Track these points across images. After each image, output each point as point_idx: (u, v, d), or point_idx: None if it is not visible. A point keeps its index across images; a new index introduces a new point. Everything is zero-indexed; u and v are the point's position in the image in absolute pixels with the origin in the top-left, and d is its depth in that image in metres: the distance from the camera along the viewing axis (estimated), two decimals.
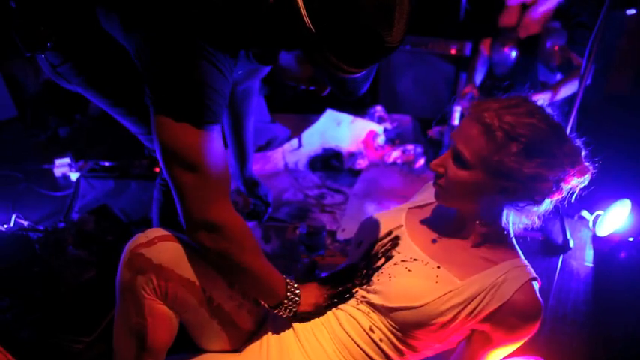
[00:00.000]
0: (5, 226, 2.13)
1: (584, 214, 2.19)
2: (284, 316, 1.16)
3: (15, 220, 2.17)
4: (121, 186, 2.26)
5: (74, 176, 2.61)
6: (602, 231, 2.09)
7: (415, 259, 1.11)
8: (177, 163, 0.97)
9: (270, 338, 1.19)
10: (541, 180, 0.99)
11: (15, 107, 3.37)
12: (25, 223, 2.18)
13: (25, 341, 1.55)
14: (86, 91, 1.27)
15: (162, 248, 1.07)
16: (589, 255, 2.04)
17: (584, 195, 1.03)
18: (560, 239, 2.05)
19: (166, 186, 1.46)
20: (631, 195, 2.03)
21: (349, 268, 1.24)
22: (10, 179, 2.61)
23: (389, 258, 1.16)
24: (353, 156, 2.58)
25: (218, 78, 0.96)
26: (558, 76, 2.34)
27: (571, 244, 2.04)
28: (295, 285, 1.16)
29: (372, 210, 2.19)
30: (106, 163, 2.47)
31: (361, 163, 2.56)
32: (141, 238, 1.08)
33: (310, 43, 0.90)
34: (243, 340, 1.22)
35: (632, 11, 2.00)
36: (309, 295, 1.17)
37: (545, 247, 2.03)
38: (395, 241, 1.19)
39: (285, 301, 1.14)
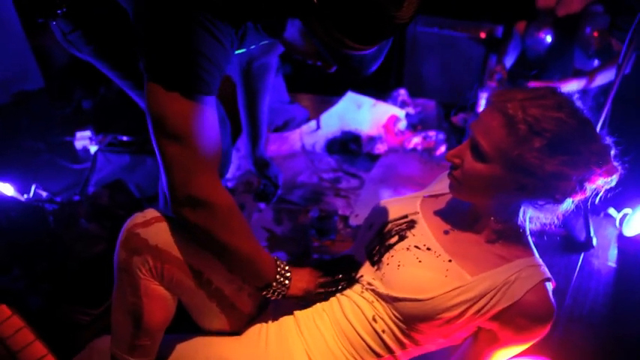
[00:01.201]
0: (25, 195, 2.16)
1: (611, 211, 2.09)
2: (272, 298, 1.13)
3: (34, 191, 2.21)
4: (136, 161, 2.26)
5: (94, 149, 2.64)
6: (630, 231, 1.99)
7: (428, 249, 1.07)
8: (164, 132, 0.94)
9: (270, 323, 1.18)
10: (563, 178, 0.92)
11: (42, 78, 3.41)
12: (44, 194, 2.21)
13: (33, 310, 1.58)
14: (96, 61, 1.28)
15: (159, 229, 1.05)
16: (613, 255, 1.95)
17: (612, 192, 0.96)
18: (582, 236, 1.97)
19: None
20: None
21: (347, 259, 1.20)
22: (33, 150, 2.65)
23: (402, 238, 1.12)
24: (372, 140, 2.52)
25: (214, 47, 0.92)
26: (596, 63, 2.21)
27: (594, 242, 1.95)
28: (287, 268, 1.13)
29: (387, 196, 2.14)
30: (124, 138, 2.48)
31: (380, 148, 2.49)
32: (138, 217, 1.07)
33: (311, 13, 0.85)
34: (243, 323, 1.20)
35: None
36: (300, 279, 1.14)
37: (566, 243, 1.95)
38: (411, 224, 1.14)
39: (274, 284, 1.10)
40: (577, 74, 2.19)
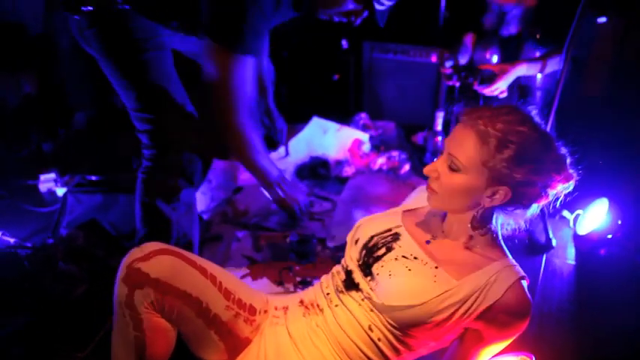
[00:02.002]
0: None
1: (565, 213, 2.27)
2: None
3: (0, 238, 2.15)
4: (109, 200, 2.25)
5: (60, 191, 2.59)
6: (583, 230, 2.16)
7: (416, 258, 1.14)
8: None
9: (267, 347, 1.21)
10: (530, 185, 1.04)
11: None
12: (12, 240, 2.15)
13: (16, 358, 1.54)
14: (102, 57, 1.45)
15: (159, 262, 1.09)
16: (571, 253, 2.11)
17: (565, 195, 1.08)
18: (543, 239, 2.12)
19: (146, 172, 1.64)
20: (609, 193, 2.11)
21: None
22: None
23: (390, 249, 1.18)
24: (339, 164, 2.62)
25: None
26: (539, 77, 2.40)
27: (554, 243, 2.10)
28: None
29: (359, 216, 2.22)
30: (93, 177, 2.46)
31: (348, 171, 2.60)
32: (136, 252, 1.10)
33: None
34: (240, 349, 1.23)
35: (602, 19, 2.09)
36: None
37: (529, 246, 2.09)
38: (396, 237, 1.21)
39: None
40: (522, 91, 2.38)
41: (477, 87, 2.22)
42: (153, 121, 1.54)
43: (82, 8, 1.31)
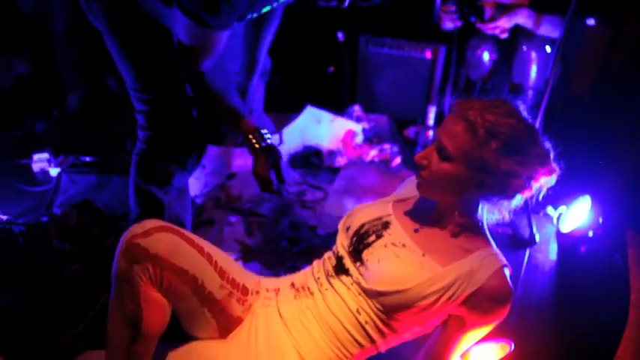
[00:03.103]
0: None
1: (549, 210, 2.33)
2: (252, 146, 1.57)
3: None
4: (103, 180, 2.27)
5: (53, 171, 2.60)
6: (565, 227, 2.23)
7: (404, 245, 1.19)
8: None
9: (258, 326, 1.24)
10: (515, 176, 1.08)
11: None
12: (4, 217, 2.17)
13: (9, 333, 1.57)
14: (106, 32, 1.46)
15: (158, 238, 1.12)
16: (553, 249, 2.18)
17: (550, 192, 1.13)
18: (527, 234, 2.18)
19: (140, 155, 1.66)
20: (591, 191, 2.17)
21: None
22: None
23: (379, 237, 1.22)
24: (332, 154, 2.66)
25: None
26: (532, 75, 2.43)
27: (537, 238, 2.17)
28: (267, 137, 1.59)
29: (350, 206, 2.27)
30: (87, 158, 2.47)
31: (340, 161, 2.64)
32: (137, 228, 1.13)
33: None
34: (231, 327, 1.27)
35: (591, 21, 2.14)
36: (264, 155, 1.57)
37: (513, 241, 2.16)
38: (385, 225, 1.25)
39: (250, 135, 1.56)
40: (514, 89, 2.42)
41: (479, 25, 2.23)
42: (150, 102, 1.55)
43: None
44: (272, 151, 1.59)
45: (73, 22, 3.14)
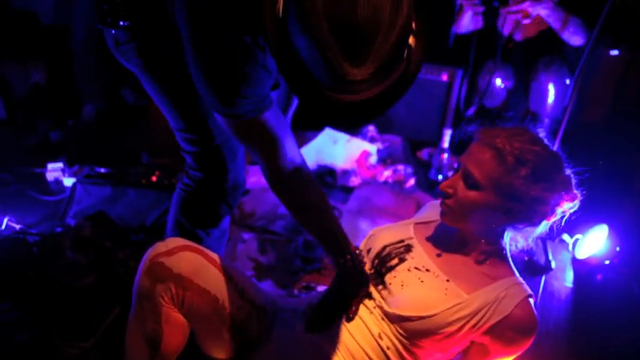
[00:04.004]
0: None
1: (565, 237, 2.32)
2: (342, 270, 1.24)
3: (7, 224, 2.16)
4: (117, 193, 2.26)
5: (67, 181, 2.60)
6: (581, 254, 2.21)
7: (428, 270, 1.17)
8: (250, 141, 1.18)
9: (274, 347, 1.23)
10: (542, 203, 1.08)
11: (4, 109, 3.33)
12: (17, 227, 2.17)
13: (22, 345, 1.55)
14: (141, 73, 1.34)
15: (182, 258, 1.12)
16: (569, 276, 2.16)
17: (566, 219, 1.13)
18: (542, 261, 2.16)
19: (187, 191, 1.52)
20: (608, 220, 2.16)
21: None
22: (0, 181, 2.58)
23: (402, 260, 1.21)
24: (346, 173, 2.66)
25: (256, 72, 1.05)
26: (550, 103, 2.43)
27: (553, 265, 2.15)
28: (360, 258, 1.26)
29: (365, 226, 2.26)
30: (102, 170, 2.47)
31: (354, 181, 2.64)
32: (161, 247, 1.13)
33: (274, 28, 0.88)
34: (249, 349, 1.25)
35: (615, 52, 2.15)
36: (360, 276, 1.24)
37: (529, 267, 2.14)
38: (408, 248, 1.24)
39: (348, 256, 1.23)
40: (533, 117, 2.43)
41: (502, 10, 2.17)
42: (198, 142, 1.41)
43: (120, 23, 1.22)
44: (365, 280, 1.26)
45: (92, 35, 3.18)
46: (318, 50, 0.78)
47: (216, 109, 1.09)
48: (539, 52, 2.35)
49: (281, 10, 0.85)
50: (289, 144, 1.16)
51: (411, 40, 0.85)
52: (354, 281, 1.22)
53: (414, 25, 0.85)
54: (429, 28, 0.88)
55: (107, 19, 1.21)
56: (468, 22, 2.42)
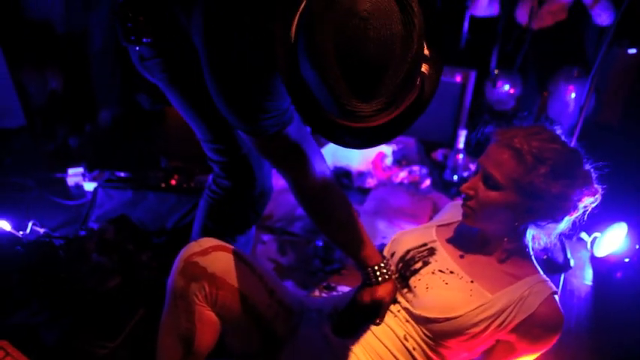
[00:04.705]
0: (21, 232, 2.16)
1: (583, 235, 2.32)
2: (364, 281, 1.24)
3: (31, 227, 2.20)
4: (138, 197, 2.30)
5: (88, 186, 2.65)
6: (600, 252, 2.21)
7: (452, 272, 1.19)
8: (276, 159, 1.16)
9: (301, 346, 1.25)
10: (564, 199, 1.09)
11: (23, 115, 3.39)
12: (41, 231, 2.21)
13: (49, 345, 1.59)
14: (166, 87, 1.36)
15: (216, 257, 1.14)
16: (588, 274, 2.17)
17: (583, 217, 1.14)
18: (561, 259, 2.17)
19: (214, 198, 1.53)
20: (627, 218, 2.16)
21: None
22: (22, 187, 2.63)
23: (426, 263, 1.22)
24: (362, 175, 2.68)
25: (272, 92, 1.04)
26: (570, 112, 2.41)
27: (572, 263, 2.15)
28: (388, 269, 1.26)
29: (383, 227, 2.28)
30: (122, 174, 2.51)
31: (370, 182, 2.66)
32: (194, 247, 1.16)
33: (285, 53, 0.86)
34: (275, 347, 1.27)
35: (633, 50, 2.15)
36: (386, 286, 1.24)
37: (548, 265, 2.14)
38: (431, 251, 1.25)
39: (376, 267, 1.23)
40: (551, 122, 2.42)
41: None
42: (225, 152, 1.43)
43: (144, 40, 1.24)
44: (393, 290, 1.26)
45: (109, 42, 3.24)
46: (326, 86, 0.77)
47: (237, 127, 1.10)
48: (553, 59, 2.36)
49: (293, 36, 0.83)
50: (316, 158, 1.15)
51: (426, 68, 0.84)
52: (380, 291, 1.23)
53: (427, 51, 0.83)
54: (442, 54, 0.87)
55: (131, 37, 1.24)
56: (485, 4, 2.40)
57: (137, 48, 1.28)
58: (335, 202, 1.21)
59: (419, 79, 0.82)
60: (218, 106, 1.07)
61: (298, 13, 0.81)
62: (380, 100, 0.78)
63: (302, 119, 0.94)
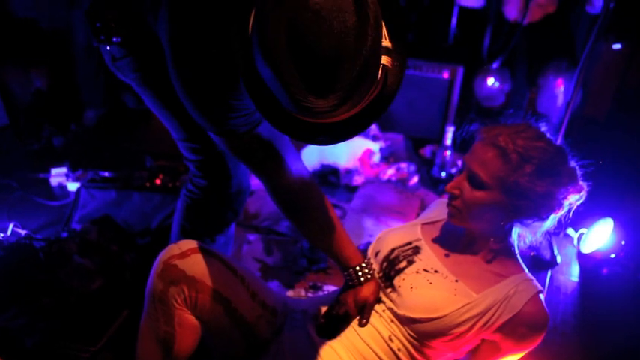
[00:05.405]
0: (1, 234, 2.12)
1: (570, 231, 2.32)
2: (348, 282, 1.24)
3: (12, 229, 2.17)
4: (122, 197, 2.27)
5: (71, 186, 2.61)
6: (586, 248, 2.22)
7: (436, 271, 1.17)
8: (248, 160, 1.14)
9: (286, 348, 1.23)
10: (550, 197, 1.08)
11: (6, 115, 3.34)
12: (23, 232, 2.17)
13: (31, 350, 1.56)
14: (138, 87, 1.35)
15: (195, 260, 1.12)
16: (575, 270, 2.17)
17: (568, 215, 1.13)
18: (548, 255, 2.17)
19: (191, 198, 1.51)
20: (613, 214, 2.17)
21: None
22: (5, 187, 2.58)
23: (411, 262, 1.21)
24: (349, 172, 2.67)
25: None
26: (559, 106, 2.42)
27: (558, 260, 2.15)
28: (371, 269, 1.25)
29: (370, 225, 2.27)
30: (106, 174, 2.48)
31: (357, 180, 2.64)
32: (174, 249, 1.13)
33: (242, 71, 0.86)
34: (259, 349, 1.26)
35: (617, 46, 2.15)
36: (369, 286, 1.23)
37: (534, 262, 2.14)
38: (416, 250, 1.24)
39: (358, 267, 1.23)
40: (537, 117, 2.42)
41: None
42: (200, 151, 1.41)
43: (113, 39, 1.22)
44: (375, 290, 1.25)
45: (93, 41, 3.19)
46: (281, 83, 0.75)
47: (206, 129, 1.07)
48: (542, 54, 2.36)
49: (250, 31, 0.80)
50: (291, 157, 1.13)
51: (387, 60, 0.81)
52: (364, 291, 1.22)
53: (389, 44, 0.81)
54: (405, 45, 0.85)
55: (100, 36, 1.22)
56: None
57: (108, 48, 1.26)
58: (312, 202, 1.19)
59: (380, 72, 0.80)
60: (186, 106, 1.05)
61: (254, 10, 0.79)
62: (336, 94, 0.75)
63: (261, 115, 0.91)
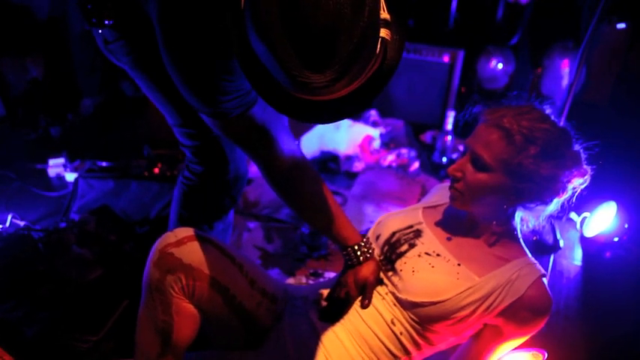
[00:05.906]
0: (0, 226, 2.11)
1: (573, 215, 2.30)
2: (347, 262, 1.24)
3: (11, 220, 2.15)
4: (120, 186, 2.25)
5: (69, 176, 2.59)
6: (590, 232, 2.20)
7: (438, 255, 1.16)
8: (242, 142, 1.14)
9: (286, 335, 1.22)
10: (554, 180, 1.06)
11: (2, 105, 3.31)
12: (21, 223, 2.16)
13: (31, 340, 1.55)
14: (132, 71, 1.32)
15: (192, 248, 1.10)
16: (578, 254, 2.15)
17: (572, 199, 1.11)
18: (551, 240, 2.15)
19: (188, 185, 1.49)
20: (616, 197, 2.14)
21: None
22: (2, 178, 2.57)
23: (412, 246, 1.20)
24: (349, 159, 2.64)
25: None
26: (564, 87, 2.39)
27: (561, 244, 2.14)
28: (370, 247, 1.25)
29: (370, 211, 2.25)
30: (104, 163, 2.46)
31: (357, 166, 2.62)
32: (170, 237, 1.11)
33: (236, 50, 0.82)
34: (260, 337, 1.24)
35: (622, 25, 2.11)
36: (369, 265, 1.22)
37: (537, 247, 2.13)
38: (417, 233, 1.23)
39: (356, 247, 1.22)
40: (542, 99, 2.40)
41: None
42: (196, 136, 1.39)
43: (105, 22, 1.19)
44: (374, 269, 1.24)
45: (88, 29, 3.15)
46: (275, 58, 0.72)
47: (199, 110, 1.05)
48: (548, 34, 2.32)
49: (243, 5, 0.77)
50: (284, 138, 1.12)
51: (386, 33, 0.77)
52: (363, 271, 1.21)
53: (388, 17, 0.77)
54: (405, 17, 0.82)
55: (92, 19, 1.19)
56: None
57: (100, 31, 1.24)
58: (307, 182, 1.19)
59: (379, 46, 0.77)
60: (178, 87, 1.03)
61: None
62: (334, 69, 0.72)
63: (257, 94, 0.89)
